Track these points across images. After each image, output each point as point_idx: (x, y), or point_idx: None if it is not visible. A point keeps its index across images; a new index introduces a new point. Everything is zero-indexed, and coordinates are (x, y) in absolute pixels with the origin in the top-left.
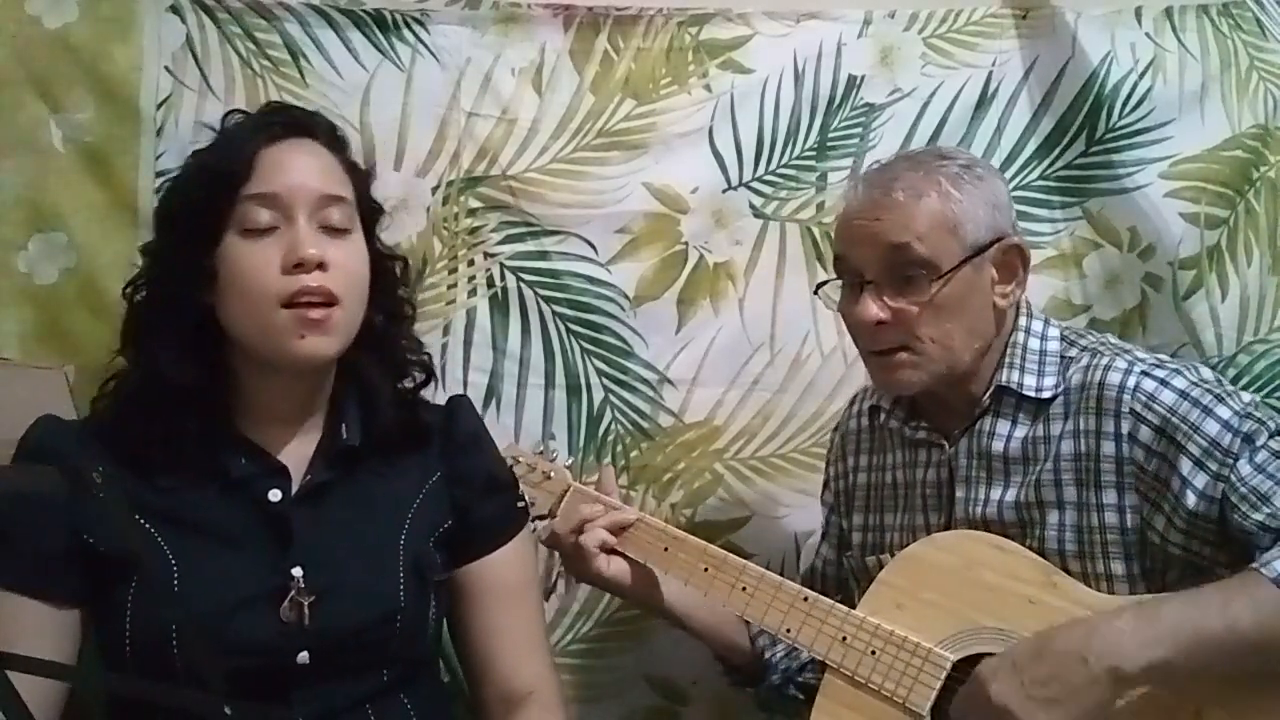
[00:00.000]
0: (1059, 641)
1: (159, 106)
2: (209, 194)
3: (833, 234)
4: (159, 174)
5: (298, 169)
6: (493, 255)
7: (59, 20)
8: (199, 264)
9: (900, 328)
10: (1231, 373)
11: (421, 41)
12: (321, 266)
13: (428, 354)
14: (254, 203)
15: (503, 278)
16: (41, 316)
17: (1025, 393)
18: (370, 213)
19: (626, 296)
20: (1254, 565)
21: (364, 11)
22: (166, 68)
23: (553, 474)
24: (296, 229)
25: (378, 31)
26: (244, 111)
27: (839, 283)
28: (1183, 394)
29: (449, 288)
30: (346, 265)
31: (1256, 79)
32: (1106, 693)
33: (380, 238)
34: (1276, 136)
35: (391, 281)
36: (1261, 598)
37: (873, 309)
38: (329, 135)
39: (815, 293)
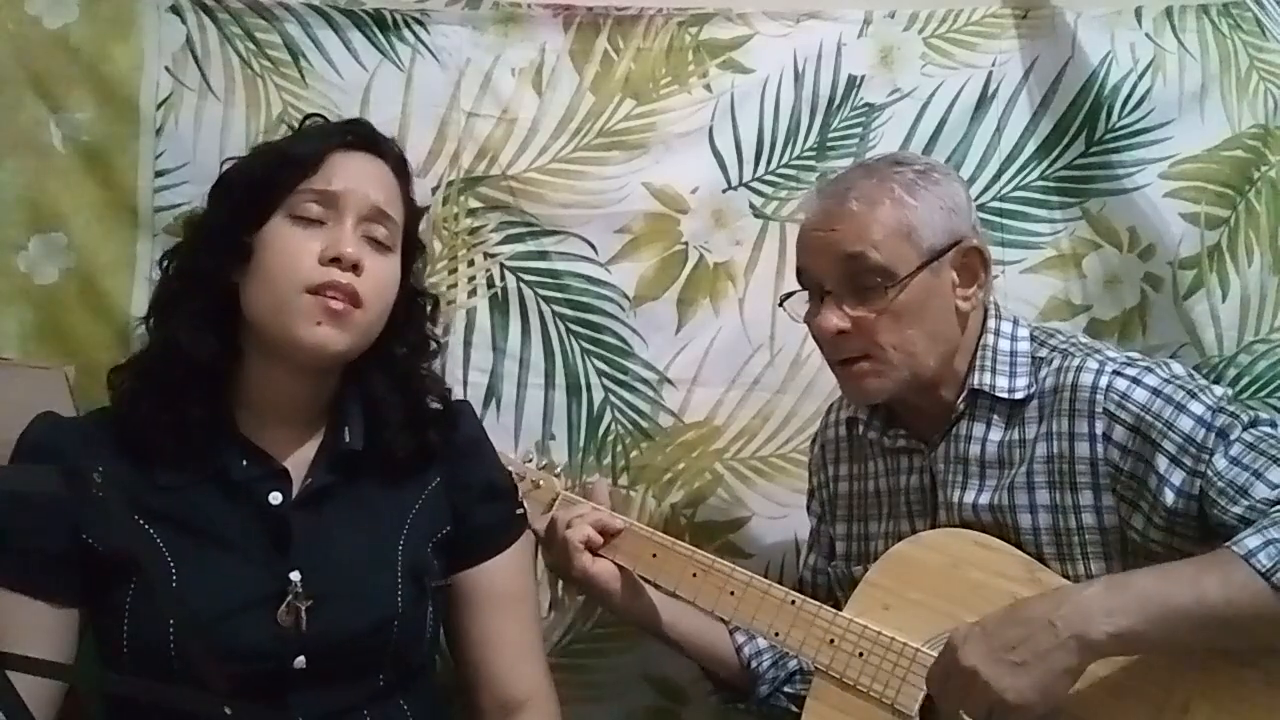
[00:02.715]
0: (1029, 608)
1: (159, 106)
2: (271, 175)
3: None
4: (159, 174)
5: (360, 177)
6: (493, 255)
7: (59, 20)
8: (239, 239)
9: (861, 336)
10: (1232, 372)
11: (421, 41)
12: (356, 269)
13: (449, 389)
14: (310, 195)
15: (503, 278)
16: (41, 316)
17: (998, 394)
18: (413, 248)
19: (626, 296)
20: (1228, 544)
21: (364, 11)
22: (166, 68)
23: (542, 482)
24: (343, 228)
25: (378, 31)
26: (324, 116)
27: (804, 294)
28: (1155, 391)
29: (449, 288)
30: (379, 276)
31: (1256, 79)
32: (1073, 658)
33: (417, 275)
34: (1277, 136)
35: (420, 317)
36: (1232, 573)
37: (833, 319)
38: (398, 162)
39: (780, 305)
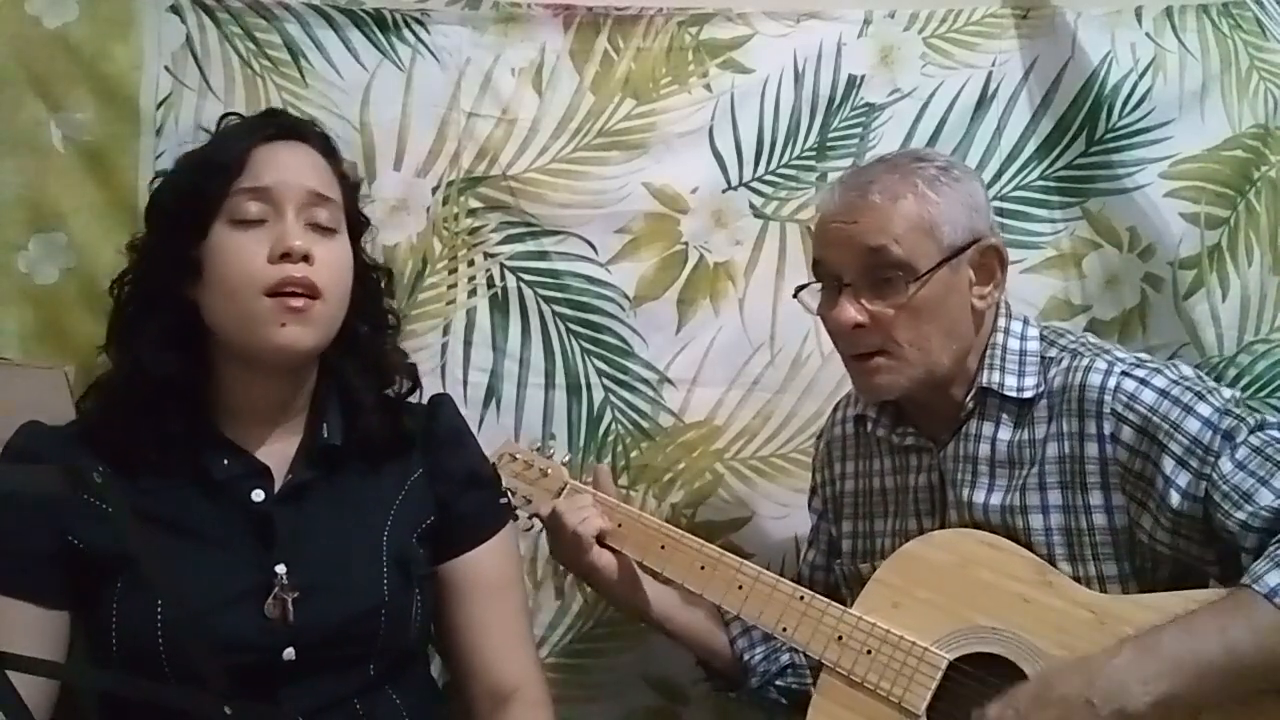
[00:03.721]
0: (1061, 686)
1: (159, 106)
2: (201, 186)
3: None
4: (159, 173)
5: (290, 166)
6: (493, 255)
7: (59, 20)
8: (185, 255)
9: (878, 331)
10: (1232, 373)
11: (421, 41)
12: (307, 259)
13: (413, 363)
14: (245, 195)
15: (503, 278)
16: (41, 316)
17: (1007, 393)
18: (357, 223)
19: (626, 296)
20: (1246, 581)
21: (364, 11)
22: (166, 68)
23: (549, 470)
24: (285, 222)
25: (378, 31)
26: (239, 114)
27: (818, 286)
28: (1163, 393)
29: (449, 288)
30: (331, 262)
31: (1256, 79)
32: None
33: (365, 249)
34: (1277, 136)
35: (375, 291)
36: (1258, 618)
37: (850, 312)
38: (322, 142)
39: (795, 296)
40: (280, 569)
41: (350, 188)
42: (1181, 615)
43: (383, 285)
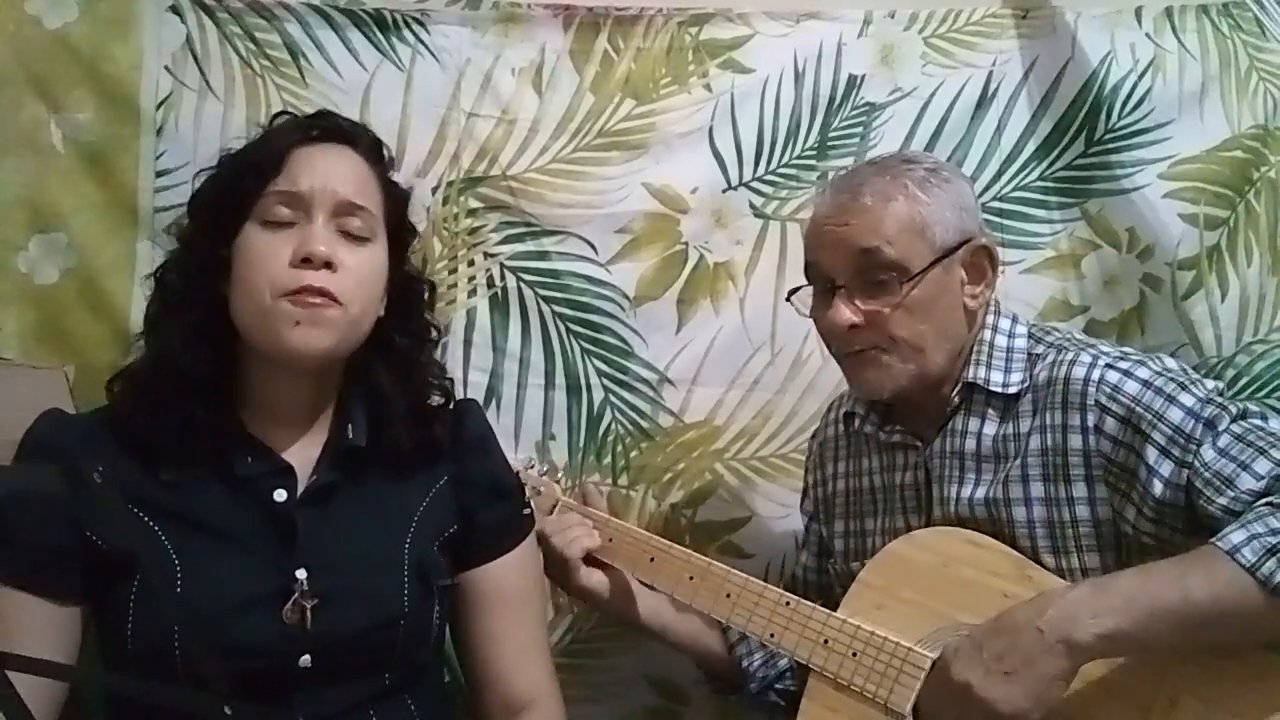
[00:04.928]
0: (1016, 615)
1: (159, 106)
2: (236, 184)
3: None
4: (159, 174)
5: (326, 171)
6: (493, 255)
7: (59, 20)
8: (216, 252)
9: (873, 331)
10: (1230, 373)
11: (421, 41)
12: (329, 266)
13: (450, 379)
14: (277, 197)
15: (503, 278)
16: (41, 316)
17: (992, 388)
18: (402, 232)
19: (626, 296)
20: (1212, 540)
21: (364, 11)
22: (166, 68)
23: (541, 489)
24: (313, 227)
25: (378, 31)
26: (292, 113)
27: (810, 289)
28: (1146, 384)
29: (449, 288)
30: (357, 271)
31: (1256, 79)
32: (1062, 663)
33: (411, 260)
34: (1276, 137)
35: (417, 304)
36: (1217, 570)
37: (845, 313)
38: (370, 147)
39: (787, 299)
40: (301, 574)
41: (397, 197)
42: (1144, 564)
43: (425, 298)
